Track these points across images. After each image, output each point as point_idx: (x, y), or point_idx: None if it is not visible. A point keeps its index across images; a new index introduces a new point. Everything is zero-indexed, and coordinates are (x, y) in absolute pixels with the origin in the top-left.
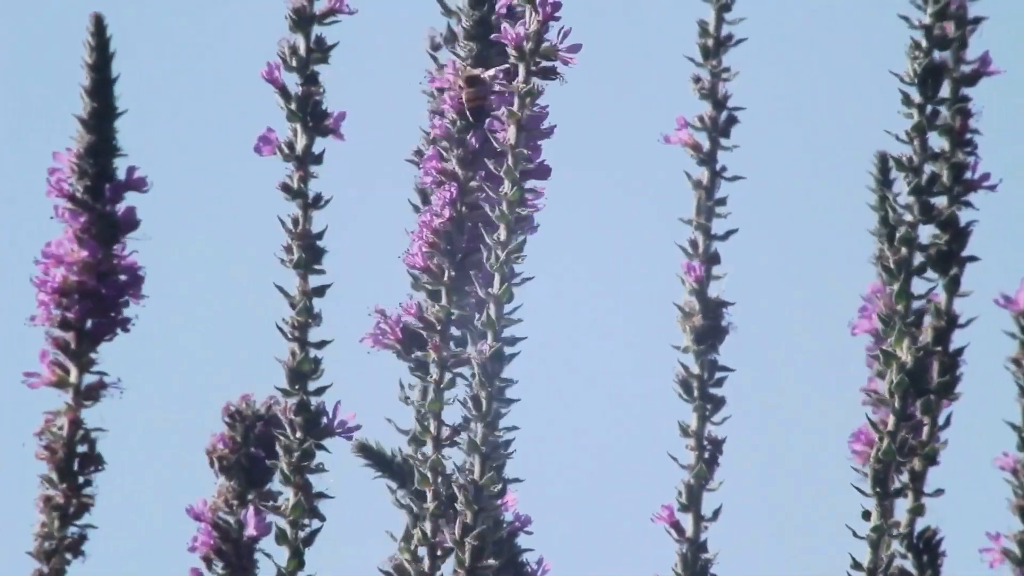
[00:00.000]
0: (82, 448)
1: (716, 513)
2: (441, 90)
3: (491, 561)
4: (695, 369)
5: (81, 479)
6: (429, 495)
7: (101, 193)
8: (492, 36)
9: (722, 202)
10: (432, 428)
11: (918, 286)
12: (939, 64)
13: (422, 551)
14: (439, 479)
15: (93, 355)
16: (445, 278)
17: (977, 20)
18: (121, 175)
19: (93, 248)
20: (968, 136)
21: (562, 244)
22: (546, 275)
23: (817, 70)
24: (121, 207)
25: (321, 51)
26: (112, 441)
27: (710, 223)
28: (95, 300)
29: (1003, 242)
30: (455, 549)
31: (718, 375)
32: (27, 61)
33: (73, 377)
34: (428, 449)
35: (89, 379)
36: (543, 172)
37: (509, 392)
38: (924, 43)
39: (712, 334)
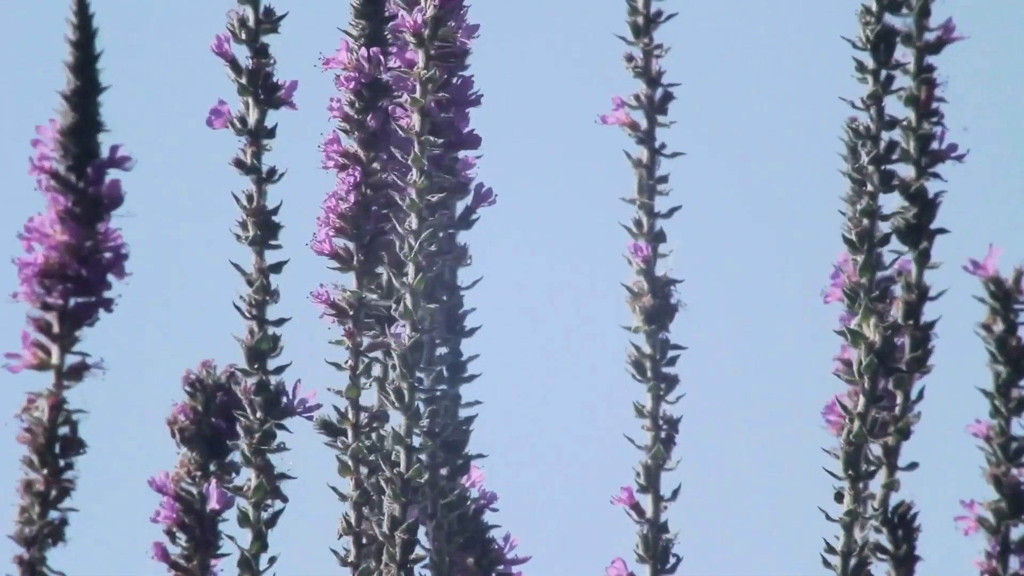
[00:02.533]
0: (64, 431)
1: (675, 493)
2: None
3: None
4: (647, 349)
5: (62, 463)
6: (351, 484)
7: (84, 172)
8: (390, 23)
9: (663, 179)
10: (351, 415)
11: (887, 258)
12: (892, 28)
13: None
14: (359, 468)
15: (76, 336)
16: (354, 262)
17: None
18: (105, 152)
19: (75, 230)
20: (934, 106)
21: (508, 229)
22: (493, 261)
23: (753, 39)
24: (105, 184)
25: (270, 22)
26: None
27: (653, 201)
28: (77, 282)
29: (971, 213)
30: (384, 543)
31: (670, 354)
32: (10, 40)
33: (55, 359)
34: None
35: (71, 360)
36: (473, 141)
37: (470, 367)
38: (875, 7)
39: (662, 313)
